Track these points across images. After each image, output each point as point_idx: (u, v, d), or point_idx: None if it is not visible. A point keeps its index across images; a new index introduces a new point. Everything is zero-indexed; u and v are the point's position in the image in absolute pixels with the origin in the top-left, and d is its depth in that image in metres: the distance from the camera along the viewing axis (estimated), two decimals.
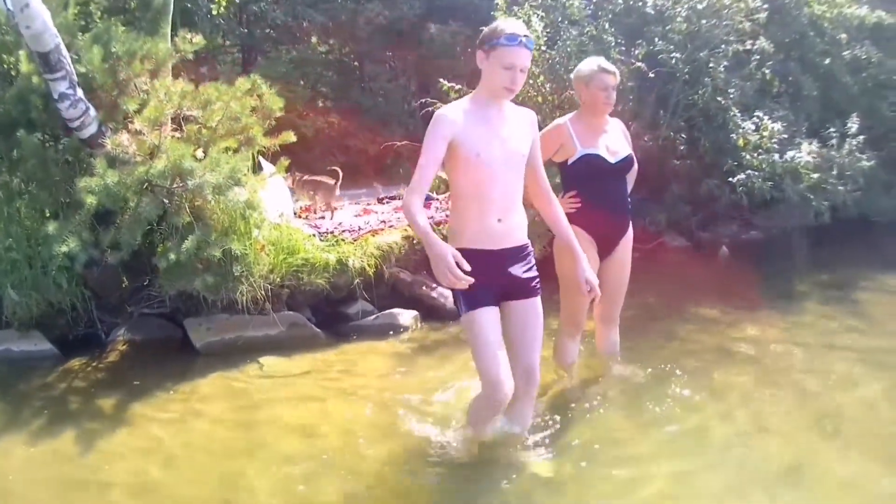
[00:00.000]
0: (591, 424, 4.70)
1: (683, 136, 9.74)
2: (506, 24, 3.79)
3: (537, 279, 4.05)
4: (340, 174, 8.51)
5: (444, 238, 3.75)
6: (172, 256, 5.67)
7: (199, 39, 6.79)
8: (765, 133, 9.78)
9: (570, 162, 5.16)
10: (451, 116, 3.74)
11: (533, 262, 4.06)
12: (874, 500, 3.84)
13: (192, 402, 5.29)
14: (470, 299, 3.83)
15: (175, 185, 5.72)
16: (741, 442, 4.48)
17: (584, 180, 5.17)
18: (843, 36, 13.90)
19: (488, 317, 3.86)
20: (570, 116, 5.31)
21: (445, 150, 3.70)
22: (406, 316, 6.87)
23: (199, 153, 5.97)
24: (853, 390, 5.28)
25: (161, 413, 5.09)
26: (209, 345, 6.23)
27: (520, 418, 4.19)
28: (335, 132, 13.62)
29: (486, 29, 3.85)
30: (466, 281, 3.47)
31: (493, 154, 3.78)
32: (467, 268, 3.48)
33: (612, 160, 5.15)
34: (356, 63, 15.75)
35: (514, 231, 3.94)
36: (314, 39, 15.78)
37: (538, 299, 4.04)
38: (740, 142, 9.76)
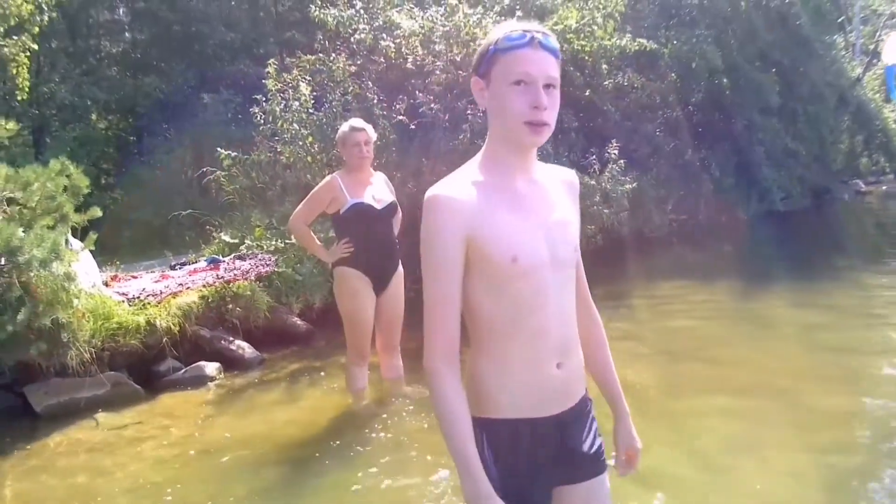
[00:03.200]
0: (387, 431, 6.24)
1: None
2: (503, 25, 2.51)
3: (603, 444, 2.77)
4: None
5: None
6: (10, 328, 7.04)
7: (11, 125, 8.37)
8: None
9: (341, 211, 6.55)
10: (460, 198, 2.44)
11: (595, 417, 2.78)
12: None
13: (45, 457, 6.45)
14: None
15: (4, 263, 7.22)
16: None
17: (355, 227, 6.56)
18: (605, 67, 16.44)
19: None
20: (339, 172, 6.87)
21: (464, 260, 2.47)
22: (210, 367, 8.31)
23: (20, 232, 7.36)
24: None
25: (19, 469, 6.24)
26: (49, 408, 7.38)
27: None
28: (120, 207, 15.10)
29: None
30: None
31: (537, 254, 2.49)
32: None
33: (378, 207, 6.57)
34: (133, 138, 17.13)
35: (576, 379, 2.67)
36: (94, 116, 17.16)
37: (606, 474, 2.77)
38: None
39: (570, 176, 2.75)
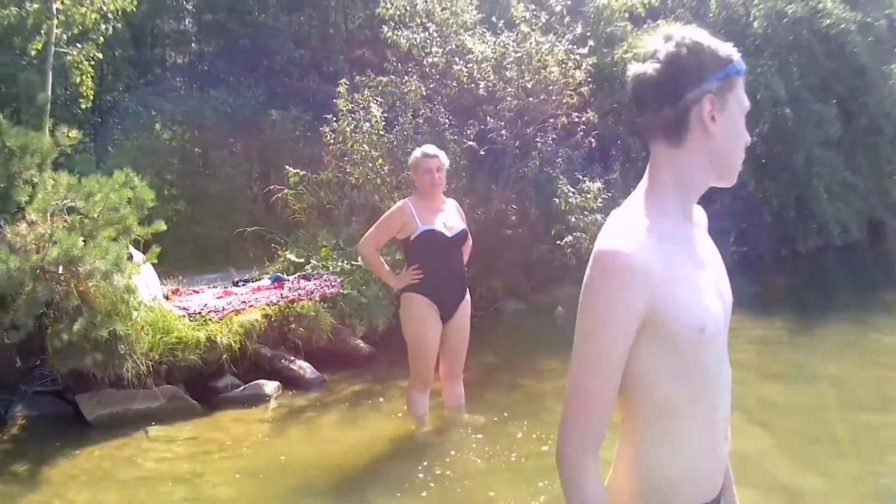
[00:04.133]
0: (446, 465, 6.07)
1: (514, 206, 11.52)
2: (706, 36, 1.97)
3: None
4: None
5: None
6: (65, 337, 7.03)
7: (75, 134, 8.27)
8: (588, 194, 11.63)
9: (412, 237, 6.48)
10: (644, 257, 1.88)
11: None
12: None
13: (92, 465, 6.47)
14: None
15: (62, 272, 7.13)
16: None
17: (425, 253, 6.50)
18: None
19: None
20: (411, 197, 6.82)
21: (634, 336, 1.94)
22: (269, 386, 8.22)
23: (80, 242, 7.23)
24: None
25: (67, 476, 6.26)
26: (100, 417, 7.37)
27: None
28: (183, 219, 14.99)
29: (669, 58, 1.94)
30: None
31: (719, 318, 2.02)
32: None
33: (449, 234, 6.50)
34: (198, 150, 17.01)
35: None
36: (158, 126, 17.07)
37: None
38: (563, 206, 11.44)
39: (704, 216, 2.27)
